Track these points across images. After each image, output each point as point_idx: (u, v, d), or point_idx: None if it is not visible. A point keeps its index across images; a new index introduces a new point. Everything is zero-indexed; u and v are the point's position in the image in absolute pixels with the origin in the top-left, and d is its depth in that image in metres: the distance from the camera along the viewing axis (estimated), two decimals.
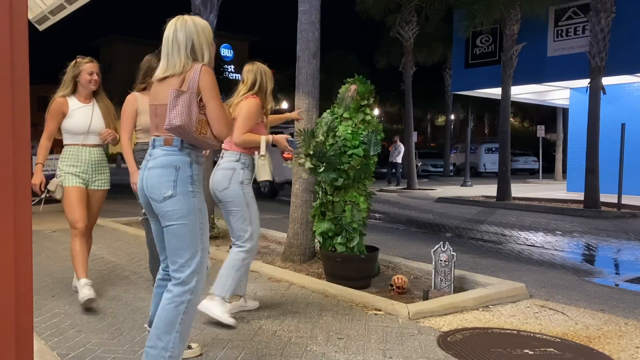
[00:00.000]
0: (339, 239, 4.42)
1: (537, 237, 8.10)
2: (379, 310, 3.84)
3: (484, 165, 27.75)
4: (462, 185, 19.28)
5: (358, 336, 3.34)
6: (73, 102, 3.99)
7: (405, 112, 18.98)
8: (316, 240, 4.91)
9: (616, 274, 5.97)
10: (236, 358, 2.95)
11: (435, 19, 18.83)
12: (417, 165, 21.63)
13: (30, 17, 5.10)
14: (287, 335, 3.33)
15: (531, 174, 27.30)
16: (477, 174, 26.79)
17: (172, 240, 2.43)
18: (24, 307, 1.58)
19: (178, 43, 2.49)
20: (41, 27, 5.35)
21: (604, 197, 11.73)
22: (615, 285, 5.24)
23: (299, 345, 3.16)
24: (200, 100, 2.42)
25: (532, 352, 3.14)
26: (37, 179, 3.89)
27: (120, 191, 15.75)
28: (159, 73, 2.57)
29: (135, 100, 3.87)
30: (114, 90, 56.72)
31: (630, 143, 12.25)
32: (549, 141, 31.36)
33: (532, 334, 3.47)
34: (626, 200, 11.59)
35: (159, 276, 2.69)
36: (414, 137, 20.06)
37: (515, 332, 3.51)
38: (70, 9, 4.83)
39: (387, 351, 3.10)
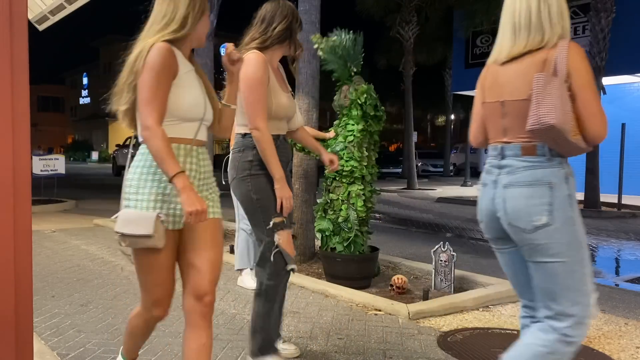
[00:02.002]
0: (337, 239, 4.43)
1: None
2: (379, 310, 3.84)
3: (484, 165, 27.74)
4: (462, 185, 19.28)
5: (358, 336, 3.34)
6: (181, 60, 2.04)
7: (405, 112, 18.99)
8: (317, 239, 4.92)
9: (616, 274, 5.97)
10: (236, 358, 2.95)
11: (435, 19, 18.85)
12: (417, 165, 21.63)
13: (30, 17, 5.10)
14: (287, 335, 3.32)
15: None
16: (478, 174, 26.52)
17: (544, 281, 1.88)
18: (24, 307, 1.58)
19: (548, 6, 1.87)
20: (41, 27, 5.34)
21: (604, 197, 11.73)
22: (616, 285, 5.24)
23: (299, 345, 3.15)
24: (568, 88, 1.80)
25: None
26: (200, 200, 1.86)
27: (119, 191, 15.63)
28: (506, 50, 1.93)
29: (267, 66, 2.61)
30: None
31: (630, 143, 12.25)
32: None
33: None
34: (626, 200, 11.59)
35: (522, 313, 2.12)
36: (414, 137, 20.07)
37: (516, 332, 3.51)
38: (70, 9, 4.82)
39: (387, 351, 3.10)
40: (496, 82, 1.96)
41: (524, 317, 2.09)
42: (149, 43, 1.95)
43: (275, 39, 2.66)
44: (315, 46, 4.49)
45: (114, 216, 2.01)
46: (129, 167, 2.05)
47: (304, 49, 2.83)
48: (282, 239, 2.61)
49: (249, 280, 4.43)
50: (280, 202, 2.58)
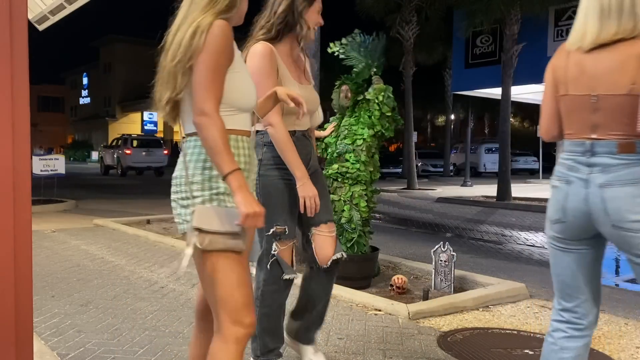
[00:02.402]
0: (340, 239, 4.43)
1: (537, 237, 8.09)
2: (379, 310, 3.84)
3: (484, 165, 27.75)
4: (462, 185, 19.28)
5: (358, 336, 3.34)
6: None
7: (405, 112, 18.98)
8: None
9: (616, 274, 5.97)
10: None
11: (435, 19, 18.84)
12: (417, 165, 21.64)
13: (30, 17, 5.10)
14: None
15: (531, 174, 27.29)
16: (477, 174, 26.79)
17: None
18: (24, 307, 1.58)
19: None
20: (41, 27, 5.34)
21: None
22: (616, 285, 5.24)
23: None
24: None
25: (532, 352, 3.14)
26: (257, 202, 1.66)
27: (118, 191, 15.65)
28: (592, 36, 1.81)
29: (275, 57, 2.42)
30: (114, 90, 56.16)
31: None
32: None
33: (532, 334, 3.47)
34: None
35: (557, 316, 2.01)
36: (414, 137, 20.07)
37: (515, 332, 3.51)
38: (70, 9, 4.82)
39: (387, 351, 3.10)
40: (584, 72, 1.81)
41: (560, 322, 1.99)
42: (207, 20, 1.69)
43: (279, 24, 2.43)
44: (336, 49, 4.43)
45: (190, 210, 1.72)
46: (184, 162, 1.78)
47: (312, 39, 2.58)
48: (281, 249, 2.47)
49: None
50: (303, 202, 2.38)
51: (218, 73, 1.69)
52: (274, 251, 2.47)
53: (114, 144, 25.09)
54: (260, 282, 2.54)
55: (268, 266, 2.49)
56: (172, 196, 1.80)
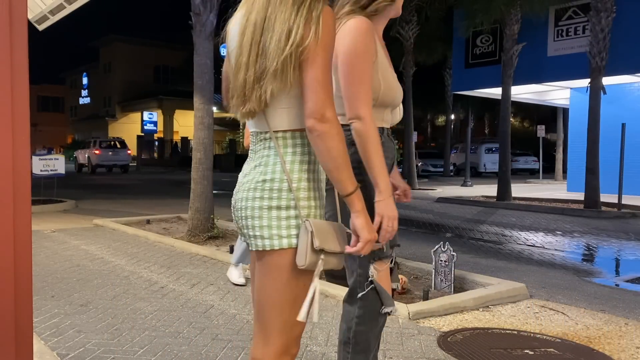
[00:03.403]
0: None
1: (537, 237, 8.09)
2: None
3: (484, 165, 27.76)
4: (462, 185, 19.28)
5: None
6: None
7: (405, 112, 18.99)
8: None
9: (616, 274, 5.97)
10: (236, 358, 2.95)
11: (435, 19, 18.85)
12: (417, 165, 21.64)
13: (30, 17, 5.10)
14: None
15: (531, 174, 27.30)
16: (478, 174, 26.79)
17: None
18: (24, 307, 1.58)
19: None
20: (41, 27, 5.35)
21: (604, 197, 11.73)
22: (616, 285, 5.24)
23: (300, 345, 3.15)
24: None
25: (533, 353, 3.14)
26: (373, 226, 1.58)
27: (118, 191, 15.66)
28: None
29: (374, 36, 1.90)
30: (114, 90, 55.95)
31: (630, 143, 12.25)
32: (549, 141, 31.38)
33: (532, 334, 3.47)
34: (626, 200, 11.59)
35: None
36: (414, 137, 20.06)
37: (516, 332, 3.51)
38: (70, 8, 4.82)
39: (387, 351, 3.10)
40: None
41: None
42: (319, 6, 1.45)
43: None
44: None
45: (295, 223, 1.48)
46: (282, 162, 1.50)
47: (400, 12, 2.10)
48: (380, 272, 1.95)
49: (234, 274, 4.56)
50: (379, 222, 1.83)
51: (331, 72, 1.48)
52: (373, 275, 1.93)
53: (85, 145, 28.87)
54: (353, 322, 1.97)
55: (365, 296, 1.95)
56: (255, 203, 1.49)
